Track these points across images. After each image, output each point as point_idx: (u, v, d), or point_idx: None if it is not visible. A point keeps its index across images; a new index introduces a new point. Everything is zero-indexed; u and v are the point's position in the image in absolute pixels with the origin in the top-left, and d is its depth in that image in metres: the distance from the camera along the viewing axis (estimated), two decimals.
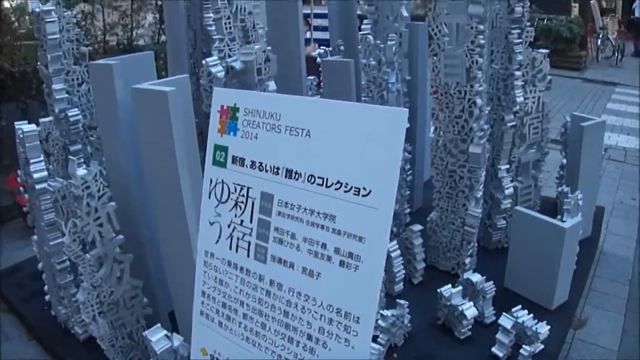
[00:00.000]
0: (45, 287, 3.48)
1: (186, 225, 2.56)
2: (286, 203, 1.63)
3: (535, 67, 3.83)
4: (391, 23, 4.01)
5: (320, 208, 1.55)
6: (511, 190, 3.91)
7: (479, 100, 3.34)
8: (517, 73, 3.72)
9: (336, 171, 1.52)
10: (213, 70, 2.66)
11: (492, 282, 3.26)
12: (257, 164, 1.70)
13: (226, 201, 1.79)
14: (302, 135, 1.59)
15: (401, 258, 3.52)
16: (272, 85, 3.21)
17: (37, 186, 2.91)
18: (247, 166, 1.72)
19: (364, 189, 1.46)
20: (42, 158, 2.94)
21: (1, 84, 5.23)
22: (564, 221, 3.33)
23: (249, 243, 1.74)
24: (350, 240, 1.49)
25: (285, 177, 1.62)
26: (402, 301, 3.08)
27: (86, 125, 3.40)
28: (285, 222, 1.64)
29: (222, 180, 1.80)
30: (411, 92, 4.33)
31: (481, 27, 3.20)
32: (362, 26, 4.07)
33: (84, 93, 3.35)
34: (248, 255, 1.75)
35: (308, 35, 9.77)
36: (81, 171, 2.55)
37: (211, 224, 1.85)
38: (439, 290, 3.20)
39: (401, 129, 1.43)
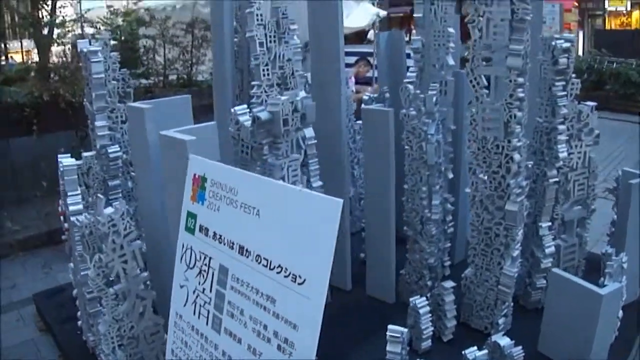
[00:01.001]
0: (79, 313, 3.60)
1: None
2: (238, 279, 1.64)
3: (581, 121, 3.67)
4: (437, 71, 3.95)
5: (264, 289, 1.56)
6: (552, 249, 3.73)
7: (516, 156, 3.23)
8: (561, 127, 3.58)
9: (278, 255, 1.53)
10: (240, 119, 2.70)
11: (521, 346, 3.08)
12: (218, 236, 1.72)
13: (193, 267, 1.84)
14: (253, 214, 1.61)
15: (430, 315, 3.41)
16: (309, 132, 3.19)
17: (72, 218, 3.03)
18: (210, 237, 1.76)
19: (300, 277, 1.46)
20: (79, 191, 3.07)
21: (62, 113, 5.52)
22: (604, 285, 3.15)
23: (208, 312, 1.77)
24: (286, 326, 1.49)
25: (238, 253, 1.64)
26: None
27: (128, 161, 3.52)
28: (236, 297, 1.65)
29: (191, 247, 1.85)
30: (456, 142, 4.21)
31: (520, 79, 3.11)
32: (407, 74, 4.03)
33: (126, 130, 3.48)
34: (207, 323, 1.78)
35: (370, 74, 9.77)
36: (108, 209, 2.64)
37: (181, 287, 1.91)
38: (463, 352, 3.07)
39: (334, 220, 1.42)
